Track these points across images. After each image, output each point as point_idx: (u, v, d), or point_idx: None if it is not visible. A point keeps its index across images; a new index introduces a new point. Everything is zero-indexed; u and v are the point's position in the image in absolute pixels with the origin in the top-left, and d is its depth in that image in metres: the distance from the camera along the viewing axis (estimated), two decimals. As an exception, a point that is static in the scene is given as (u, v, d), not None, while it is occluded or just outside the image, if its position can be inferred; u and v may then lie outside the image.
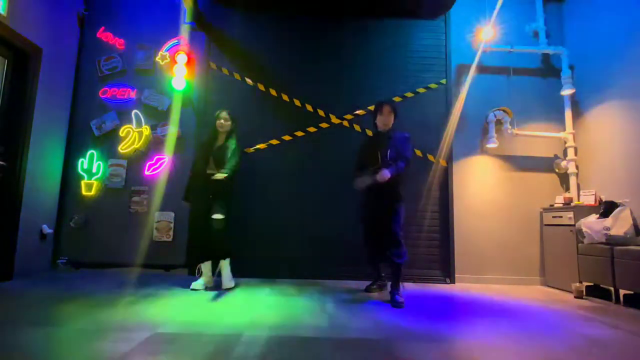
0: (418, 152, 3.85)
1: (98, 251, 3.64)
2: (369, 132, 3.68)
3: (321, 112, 3.92)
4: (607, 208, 3.11)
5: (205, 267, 3.07)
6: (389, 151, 2.85)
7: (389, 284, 2.83)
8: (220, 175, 2.93)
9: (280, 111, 3.91)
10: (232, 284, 3.05)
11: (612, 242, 2.95)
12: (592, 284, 3.13)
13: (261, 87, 3.95)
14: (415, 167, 3.78)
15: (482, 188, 3.89)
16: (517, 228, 3.82)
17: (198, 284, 2.97)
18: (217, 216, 2.97)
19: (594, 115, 3.71)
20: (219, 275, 3.09)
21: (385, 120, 2.95)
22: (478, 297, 3.05)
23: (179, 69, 3.68)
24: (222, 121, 3.15)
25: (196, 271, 3.09)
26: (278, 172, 3.80)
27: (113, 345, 1.62)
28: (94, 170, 3.74)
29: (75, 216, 3.66)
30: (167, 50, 3.93)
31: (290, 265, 3.62)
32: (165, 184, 3.72)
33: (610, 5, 3.56)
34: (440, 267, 3.74)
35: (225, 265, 3.07)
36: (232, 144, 3.13)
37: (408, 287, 3.33)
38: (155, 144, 3.81)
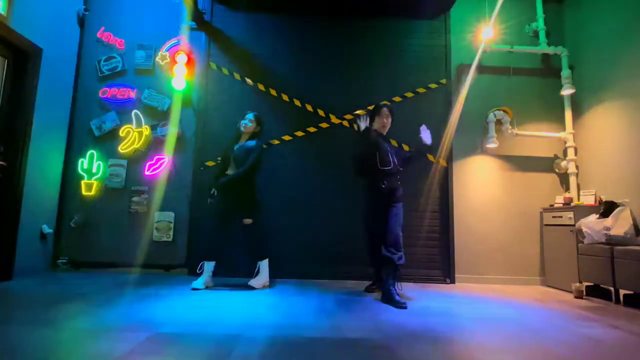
0: (418, 152, 3.85)
1: (98, 251, 3.64)
2: None
3: (321, 112, 3.92)
4: (607, 208, 3.11)
5: (208, 266, 3.06)
6: (391, 156, 2.88)
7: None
8: (248, 221, 3.07)
9: (280, 111, 3.91)
10: (259, 285, 3.07)
11: (612, 242, 2.95)
12: (592, 284, 3.13)
13: (261, 87, 3.95)
14: (415, 167, 3.78)
15: (482, 188, 3.89)
16: (517, 228, 3.82)
17: (199, 283, 2.97)
18: (247, 221, 3.07)
19: (594, 115, 3.71)
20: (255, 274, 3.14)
21: (384, 123, 2.98)
22: (478, 297, 3.05)
23: (179, 69, 3.69)
24: (245, 122, 3.18)
25: (198, 268, 3.06)
26: (278, 172, 3.80)
27: (113, 345, 1.62)
28: (94, 170, 3.74)
29: (75, 216, 3.66)
30: (167, 50, 3.93)
31: (290, 265, 3.62)
32: (165, 184, 3.72)
33: (610, 5, 3.56)
34: (440, 267, 3.74)
35: (264, 266, 3.14)
36: (251, 144, 3.14)
37: (408, 287, 3.33)
38: (155, 144, 3.81)
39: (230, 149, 3.18)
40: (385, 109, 2.98)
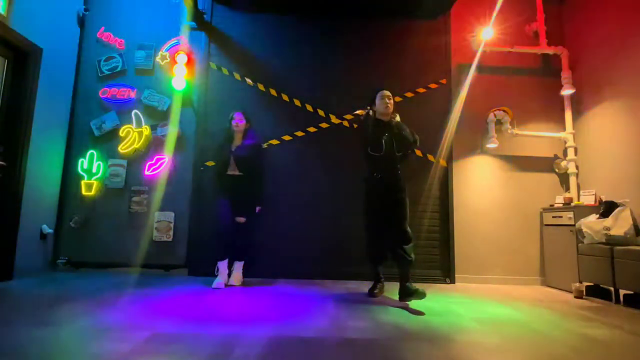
0: (418, 152, 3.84)
1: (98, 251, 3.64)
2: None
3: (321, 112, 3.92)
4: (607, 208, 3.11)
5: (223, 265, 3.15)
6: (394, 144, 2.79)
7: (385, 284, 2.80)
8: (241, 219, 3.18)
9: (280, 111, 3.91)
10: (238, 283, 3.14)
11: (612, 242, 2.95)
12: (592, 284, 3.13)
13: (261, 87, 3.95)
14: (415, 167, 3.79)
15: (482, 188, 3.89)
16: (517, 228, 3.82)
17: (219, 282, 3.06)
18: (240, 219, 3.16)
19: (594, 115, 3.71)
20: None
21: (386, 105, 2.83)
22: (478, 297, 3.04)
23: (179, 69, 3.69)
24: (237, 121, 3.25)
25: (215, 270, 3.17)
26: (278, 172, 3.80)
27: (113, 345, 1.62)
28: (94, 170, 3.73)
29: (75, 216, 3.66)
30: (167, 50, 3.93)
31: (290, 265, 3.62)
32: (165, 184, 3.72)
33: (610, 5, 3.56)
34: (440, 267, 3.74)
35: (239, 265, 3.22)
36: (250, 143, 3.26)
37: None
38: (155, 144, 3.80)
39: (227, 149, 3.23)
40: (383, 91, 2.86)
